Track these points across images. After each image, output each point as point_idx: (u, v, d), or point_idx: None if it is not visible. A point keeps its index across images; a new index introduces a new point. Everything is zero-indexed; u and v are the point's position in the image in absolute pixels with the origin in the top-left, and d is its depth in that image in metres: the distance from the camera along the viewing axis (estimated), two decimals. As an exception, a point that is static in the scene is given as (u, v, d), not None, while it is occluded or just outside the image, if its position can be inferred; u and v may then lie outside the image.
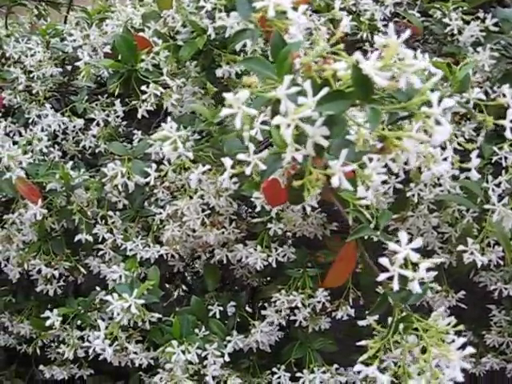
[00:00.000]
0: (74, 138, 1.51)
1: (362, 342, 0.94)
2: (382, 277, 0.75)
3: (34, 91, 1.45)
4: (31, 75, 1.45)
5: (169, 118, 1.04)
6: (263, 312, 1.36)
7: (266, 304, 1.36)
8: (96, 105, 1.50)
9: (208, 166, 1.06)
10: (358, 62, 0.60)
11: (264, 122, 0.82)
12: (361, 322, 0.98)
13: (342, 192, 0.86)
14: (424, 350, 0.85)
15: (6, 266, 1.39)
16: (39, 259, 1.31)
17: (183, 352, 1.19)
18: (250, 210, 1.41)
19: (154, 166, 1.20)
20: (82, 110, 1.45)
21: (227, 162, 0.92)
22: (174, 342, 1.18)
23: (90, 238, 1.30)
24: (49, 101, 1.48)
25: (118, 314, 1.15)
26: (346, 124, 0.67)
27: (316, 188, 0.70)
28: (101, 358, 1.26)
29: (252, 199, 1.22)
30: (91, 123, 1.51)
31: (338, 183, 0.65)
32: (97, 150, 1.47)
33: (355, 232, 0.89)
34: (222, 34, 1.24)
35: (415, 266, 0.78)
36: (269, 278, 1.50)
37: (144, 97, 1.23)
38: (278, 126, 0.91)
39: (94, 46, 1.38)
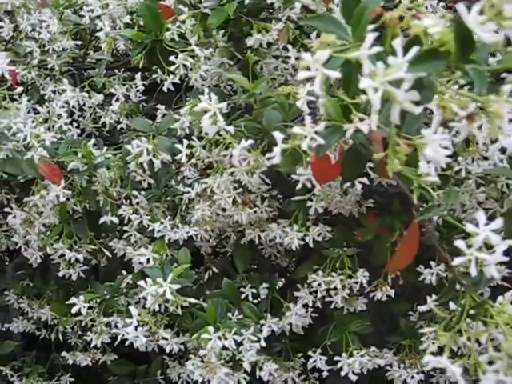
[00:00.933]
0: (91, 114, 1.41)
1: (425, 330, 0.87)
2: (457, 261, 0.67)
3: (49, 66, 1.35)
4: (46, 49, 1.34)
5: (206, 90, 0.95)
6: (296, 293, 1.29)
7: (298, 285, 1.29)
8: (113, 79, 1.41)
9: (251, 141, 0.97)
10: (461, 15, 0.52)
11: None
12: (422, 308, 0.90)
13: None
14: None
15: (26, 250, 1.30)
16: (62, 243, 1.22)
17: (219, 338, 1.11)
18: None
19: (186, 142, 1.12)
20: (100, 84, 1.35)
21: (278, 136, 0.84)
22: (210, 328, 1.10)
23: (116, 220, 1.21)
24: (64, 76, 1.38)
25: (151, 300, 1.07)
26: (436, 88, 0.58)
27: (400, 160, 0.61)
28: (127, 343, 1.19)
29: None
30: (109, 99, 1.42)
31: (432, 154, 0.56)
32: (118, 127, 1.37)
33: (424, 212, 0.80)
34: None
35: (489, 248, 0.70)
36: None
37: (172, 68, 1.13)
38: (332, 96, 0.83)
39: (112, 17, 1.27)
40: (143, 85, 1.41)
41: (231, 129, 0.94)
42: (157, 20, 1.17)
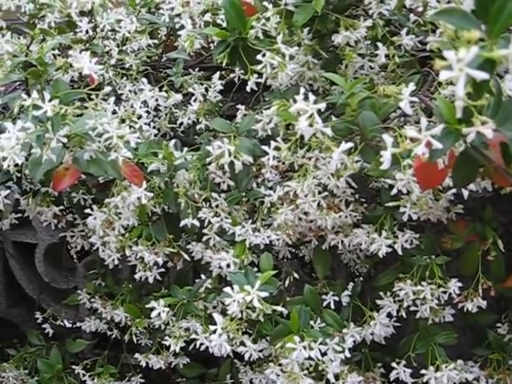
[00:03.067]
0: (166, 114, 1.37)
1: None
2: None
3: (126, 65, 1.31)
4: (124, 48, 1.31)
5: (301, 89, 0.88)
6: (379, 301, 1.22)
7: (381, 292, 1.22)
8: (191, 78, 1.36)
9: (350, 144, 0.91)
10: None
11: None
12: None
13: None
14: None
15: (103, 251, 1.27)
16: (141, 245, 1.18)
17: (304, 348, 1.05)
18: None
19: (273, 143, 1.06)
20: (179, 84, 1.30)
21: (388, 139, 0.77)
22: (296, 338, 1.04)
23: (197, 223, 1.16)
24: (140, 75, 1.34)
25: (236, 307, 1.01)
26: None
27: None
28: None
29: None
30: (184, 98, 1.37)
31: None
32: (198, 127, 1.32)
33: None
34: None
35: None
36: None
37: (259, 67, 1.08)
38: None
39: (192, 15, 1.22)
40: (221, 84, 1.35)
41: (329, 131, 0.88)
42: (241, 17, 1.11)
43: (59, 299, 1.75)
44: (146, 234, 1.19)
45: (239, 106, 1.26)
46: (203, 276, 1.28)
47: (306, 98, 0.87)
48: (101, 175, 1.04)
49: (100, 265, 1.55)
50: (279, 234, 1.16)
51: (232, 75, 1.32)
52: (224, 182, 1.21)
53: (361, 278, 1.29)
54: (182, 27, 1.24)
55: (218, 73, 1.30)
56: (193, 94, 1.32)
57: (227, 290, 1.00)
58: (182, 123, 1.33)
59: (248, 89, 1.16)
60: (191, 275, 1.37)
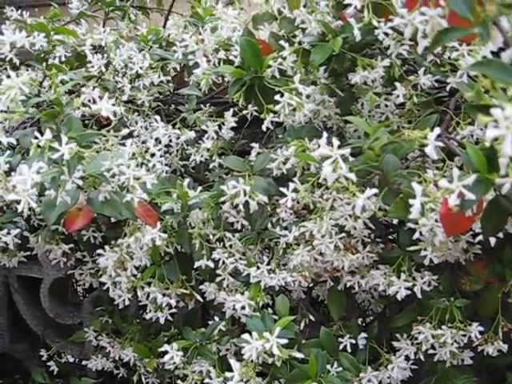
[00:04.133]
0: (177, 150, 1.34)
1: None
2: None
3: (139, 101, 1.28)
4: (136, 84, 1.28)
5: (324, 133, 0.85)
6: (396, 344, 1.18)
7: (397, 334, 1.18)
8: (202, 114, 1.33)
9: (375, 190, 0.88)
10: None
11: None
12: None
13: None
14: None
15: (113, 290, 1.23)
16: (154, 286, 1.14)
17: (322, 395, 1.01)
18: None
19: (292, 185, 1.03)
20: (192, 121, 1.27)
21: (417, 188, 0.74)
22: (315, 385, 1.00)
23: (211, 264, 1.13)
24: (153, 111, 1.32)
25: (253, 353, 0.97)
26: None
27: None
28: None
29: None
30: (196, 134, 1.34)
31: None
32: (211, 165, 1.29)
33: None
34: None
35: None
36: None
37: (278, 107, 1.05)
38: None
39: (206, 52, 1.20)
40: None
41: (353, 176, 0.85)
42: (257, 56, 1.09)
43: (64, 335, 1.70)
44: (159, 275, 1.15)
45: (253, 145, 1.23)
46: (215, 317, 1.24)
47: (329, 143, 0.84)
48: (115, 217, 1.00)
49: (107, 301, 1.51)
50: (295, 275, 1.13)
51: (244, 112, 1.29)
52: (238, 221, 1.18)
53: (374, 319, 1.25)
54: (196, 64, 1.22)
55: (232, 110, 1.27)
56: (204, 131, 1.29)
57: (245, 336, 0.96)
58: (194, 160, 1.30)
59: (264, 128, 1.14)
60: (200, 314, 1.34)
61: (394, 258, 1.14)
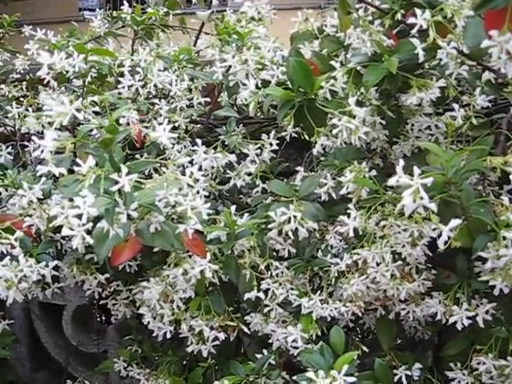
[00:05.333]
0: (213, 173, 1.25)
1: None
2: None
3: (176, 124, 1.20)
4: (172, 106, 1.20)
5: (401, 161, 0.78)
6: (450, 374, 1.10)
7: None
8: (237, 135, 1.25)
9: (459, 221, 0.80)
10: None
11: None
12: None
13: None
14: None
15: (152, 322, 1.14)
16: (201, 319, 1.05)
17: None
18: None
19: (354, 212, 0.95)
20: (233, 144, 1.19)
21: None
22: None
23: (262, 296, 1.05)
24: (187, 134, 1.23)
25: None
26: None
27: None
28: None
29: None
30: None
31: None
32: (254, 191, 1.21)
33: None
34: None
35: None
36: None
37: (335, 131, 0.97)
38: None
39: (249, 73, 1.13)
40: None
41: (433, 206, 0.77)
42: (309, 78, 1.01)
43: (87, 364, 1.61)
44: (204, 306, 1.07)
45: (299, 168, 1.15)
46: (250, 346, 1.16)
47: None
48: (167, 249, 0.92)
49: (136, 330, 1.42)
50: (349, 305, 1.05)
51: (283, 133, 1.22)
52: (284, 248, 1.10)
53: (426, 348, 1.17)
54: (237, 85, 1.14)
55: (273, 132, 1.20)
56: (243, 154, 1.21)
57: (310, 375, 0.88)
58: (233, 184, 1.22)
59: (315, 152, 1.07)
60: (235, 343, 1.25)
61: (450, 285, 1.06)
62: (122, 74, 1.23)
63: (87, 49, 1.05)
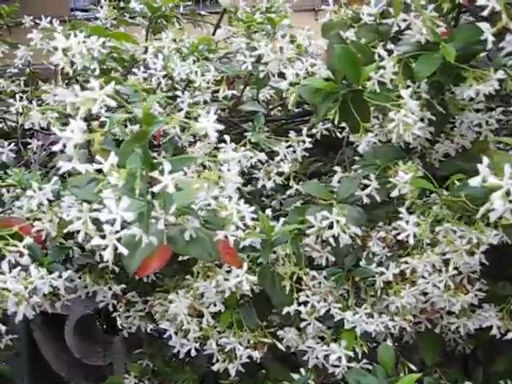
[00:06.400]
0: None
1: None
2: None
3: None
4: (195, 99, 1.05)
5: (485, 159, 0.65)
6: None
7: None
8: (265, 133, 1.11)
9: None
10: None
11: None
12: None
13: None
14: None
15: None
16: (234, 336, 0.91)
17: None
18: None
19: (412, 217, 0.82)
20: (262, 142, 1.04)
21: None
22: None
23: (303, 309, 0.91)
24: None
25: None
26: None
27: None
28: None
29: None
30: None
31: None
32: (288, 192, 1.07)
33: None
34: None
35: None
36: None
37: (391, 126, 0.84)
38: None
39: (282, 62, 0.99)
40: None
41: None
42: (355, 67, 0.88)
43: (91, 377, 1.46)
44: (237, 322, 0.93)
45: (336, 168, 1.02)
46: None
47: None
48: (202, 258, 0.78)
49: (148, 343, 1.27)
50: (397, 319, 0.92)
51: (314, 130, 1.08)
52: (322, 256, 0.97)
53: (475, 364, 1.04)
54: (267, 76, 1.01)
55: (305, 129, 1.06)
56: (272, 152, 1.07)
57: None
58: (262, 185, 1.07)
59: (361, 150, 0.93)
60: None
61: (504, 296, 0.94)
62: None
63: (106, 32, 0.90)
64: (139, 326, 1.14)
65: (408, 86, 0.93)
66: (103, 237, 0.63)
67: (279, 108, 1.27)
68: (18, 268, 0.81)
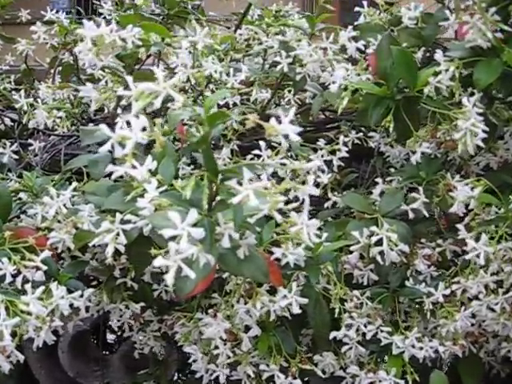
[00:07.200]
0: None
1: None
2: None
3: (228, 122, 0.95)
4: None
5: None
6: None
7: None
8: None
9: None
10: None
11: None
12: None
13: None
14: None
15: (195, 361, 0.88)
16: (273, 362, 0.80)
17: None
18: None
19: (485, 237, 0.73)
20: (296, 149, 0.94)
21: None
22: None
23: (353, 334, 0.81)
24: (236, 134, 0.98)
25: None
26: None
27: None
28: None
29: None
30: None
31: None
32: (325, 204, 0.97)
33: None
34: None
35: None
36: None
37: (458, 135, 0.75)
38: None
39: (324, 64, 0.89)
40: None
41: None
42: (412, 71, 0.80)
43: (86, 398, 1.32)
44: (276, 346, 0.82)
45: (378, 180, 0.92)
46: None
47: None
48: (256, 279, 0.67)
49: (153, 362, 1.15)
50: (448, 344, 0.83)
51: (346, 138, 0.99)
52: (364, 275, 0.87)
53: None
54: (304, 79, 0.91)
55: (342, 137, 0.96)
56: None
57: None
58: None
59: (413, 161, 0.84)
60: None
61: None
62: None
63: (136, 19, 0.78)
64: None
65: (472, 94, 0.84)
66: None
67: (298, 115, 1.17)
68: (41, 288, 0.69)
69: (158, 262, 0.51)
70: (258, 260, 0.67)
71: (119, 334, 1.59)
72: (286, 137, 0.57)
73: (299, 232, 0.61)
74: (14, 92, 1.33)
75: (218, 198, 0.59)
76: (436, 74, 0.82)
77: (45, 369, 1.32)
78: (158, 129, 0.55)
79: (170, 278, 0.52)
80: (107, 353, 1.46)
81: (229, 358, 0.82)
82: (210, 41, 0.89)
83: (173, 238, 0.53)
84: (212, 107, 0.58)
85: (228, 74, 0.91)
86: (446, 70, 0.81)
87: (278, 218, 0.61)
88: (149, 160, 0.62)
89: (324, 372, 0.88)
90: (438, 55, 0.82)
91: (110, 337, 1.61)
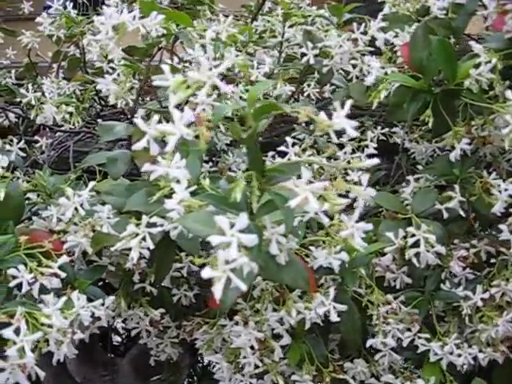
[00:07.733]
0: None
1: None
2: None
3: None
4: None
5: None
6: None
7: None
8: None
9: None
10: None
11: None
12: None
13: None
14: None
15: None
16: (306, 373, 0.74)
17: None
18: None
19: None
20: (324, 146, 0.89)
21: None
22: None
23: (391, 342, 0.75)
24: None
25: None
26: None
27: None
28: None
29: None
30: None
31: None
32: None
33: None
34: None
35: None
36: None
37: (505, 131, 0.70)
38: None
39: (354, 55, 0.83)
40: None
41: None
42: (452, 63, 0.74)
43: (95, 405, 1.25)
44: (308, 355, 0.76)
45: (409, 178, 0.87)
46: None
47: None
48: (299, 287, 0.61)
49: (169, 368, 1.09)
50: (488, 351, 0.78)
51: (371, 134, 0.93)
52: (396, 278, 0.82)
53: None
54: (331, 71, 0.85)
55: (369, 132, 0.90)
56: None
57: None
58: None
59: (452, 158, 0.78)
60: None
61: None
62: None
63: (158, 7, 0.72)
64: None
65: (510, 87, 0.79)
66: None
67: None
68: (63, 298, 0.62)
69: (206, 273, 0.45)
70: (298, 265, 0.60)
71: (125, 336, 1.54)
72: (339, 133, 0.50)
73: (350, 236, 0.55)
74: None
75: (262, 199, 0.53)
76: (476, 66, 0.76)
77: (52, 375, 1.26)
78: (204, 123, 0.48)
79: (218, 291, 0.45)
80: (113, 356, 1.39)
81: (257, 367, 0.76)
82: (235, 30, 0.83)
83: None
84: (256, 100, 0.51)
85: (252, 67, 0.85)
86: (486, 62, 0.75)
87: (325, 220, 0.55)
88: (177, 158, 0.56)
89: (354, 379, 0.83)
90: (478, 46, 0.76)
91: (116, 339, 1.55)
